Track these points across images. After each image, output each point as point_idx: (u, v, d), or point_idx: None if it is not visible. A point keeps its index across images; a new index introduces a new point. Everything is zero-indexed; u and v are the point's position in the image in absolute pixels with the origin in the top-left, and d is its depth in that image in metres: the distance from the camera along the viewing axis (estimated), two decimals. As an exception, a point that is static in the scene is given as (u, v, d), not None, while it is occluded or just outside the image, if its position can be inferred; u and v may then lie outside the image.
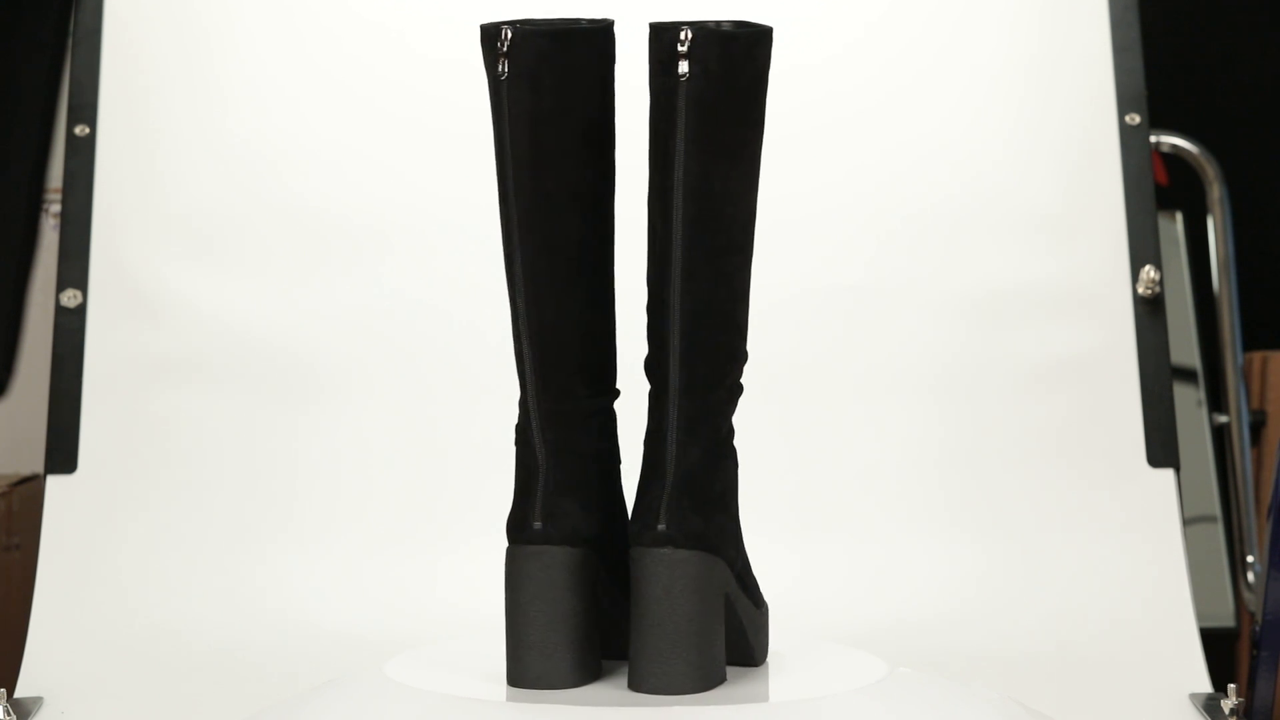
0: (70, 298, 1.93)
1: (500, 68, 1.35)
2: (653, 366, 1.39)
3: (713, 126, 1.36)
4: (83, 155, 1.97)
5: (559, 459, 1.39)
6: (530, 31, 1.34)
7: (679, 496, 1.37)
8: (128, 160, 1.98)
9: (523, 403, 1.40)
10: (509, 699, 1.36)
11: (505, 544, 1.39)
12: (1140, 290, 1.96)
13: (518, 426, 1.41)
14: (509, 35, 1.34)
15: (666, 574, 1.36)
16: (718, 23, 1.36)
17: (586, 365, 1.40)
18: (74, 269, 1.94)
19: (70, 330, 1.92)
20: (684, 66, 1.35)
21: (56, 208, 2.20)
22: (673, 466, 1.37)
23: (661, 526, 1.36)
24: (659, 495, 1.37)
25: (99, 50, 2.00)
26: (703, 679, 1.36)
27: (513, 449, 1.41)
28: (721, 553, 1.38)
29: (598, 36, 1.38)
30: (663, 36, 1.35)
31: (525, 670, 1.37)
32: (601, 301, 1.41)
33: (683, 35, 1.35)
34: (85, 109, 1.98)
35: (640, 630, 1.36)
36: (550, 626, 1.37)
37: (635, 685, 1.36)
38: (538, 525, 1.37)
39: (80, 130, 1.98)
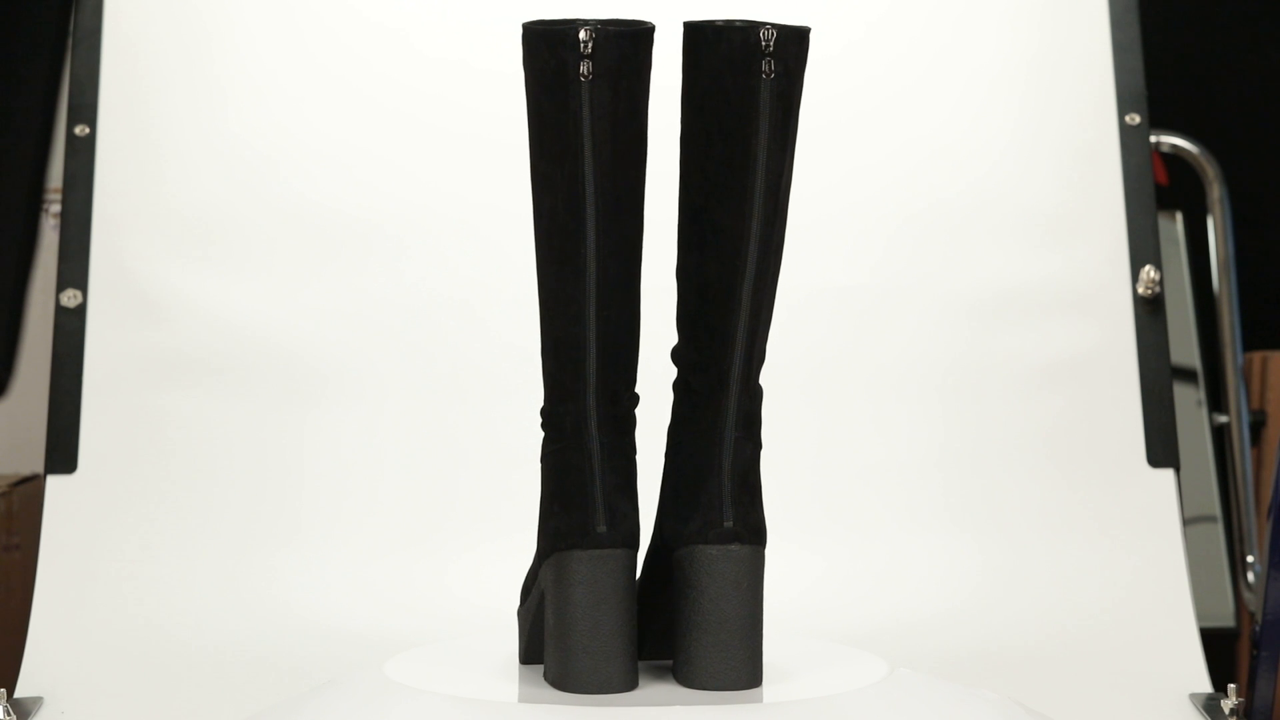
0: (70, 298, 1.93)
1: (583, 69, 1.34)
2: (701, 363, 1.39)
3: (789, 125, 1.37)
4: (83, 155, 1.97)
5: (612, 462, 1.38)
6: (612, 33, 1.34)
7: (738, 492, 1.38)
8: (128, 160, 1.98)
9: (574, 408, 1.38)
10: (511, 699, 1.35)
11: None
12: (1140, 290, 1.96)
13: (559, 430, 1.38)
14: (591, 36, 1.34)
15: (735, 570, 1.37)
16: (727, 21, 1.36)
17: (631, 366, 1.40)
18: (74, 269, 1.94)
19: (70, 330, 1.92)
20: (768, 66, 1.36)
21: (56, 208, 2.20)
22: (730, 462, 1.38)
23: (729, 523, 1.37)
24: (718, 492, 1.38)
25: (99, 50, 2.00)
26: (760, 673, 1.38)
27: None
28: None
29: (653, 39, 1.38)
30: (733, 37, 1.35)
31: (592, 676, 1.36)
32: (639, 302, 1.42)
33: (765, 35, 1.35)
34: (85, 109, 1.98)
35: (704, 627, 1.36)
36: (616, 631, 1.36)
37: (699, 683, 1.37)
38: (602, 530, 1.36)
39: (80, 130, 1.98)
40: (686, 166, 1.40)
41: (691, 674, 1.37)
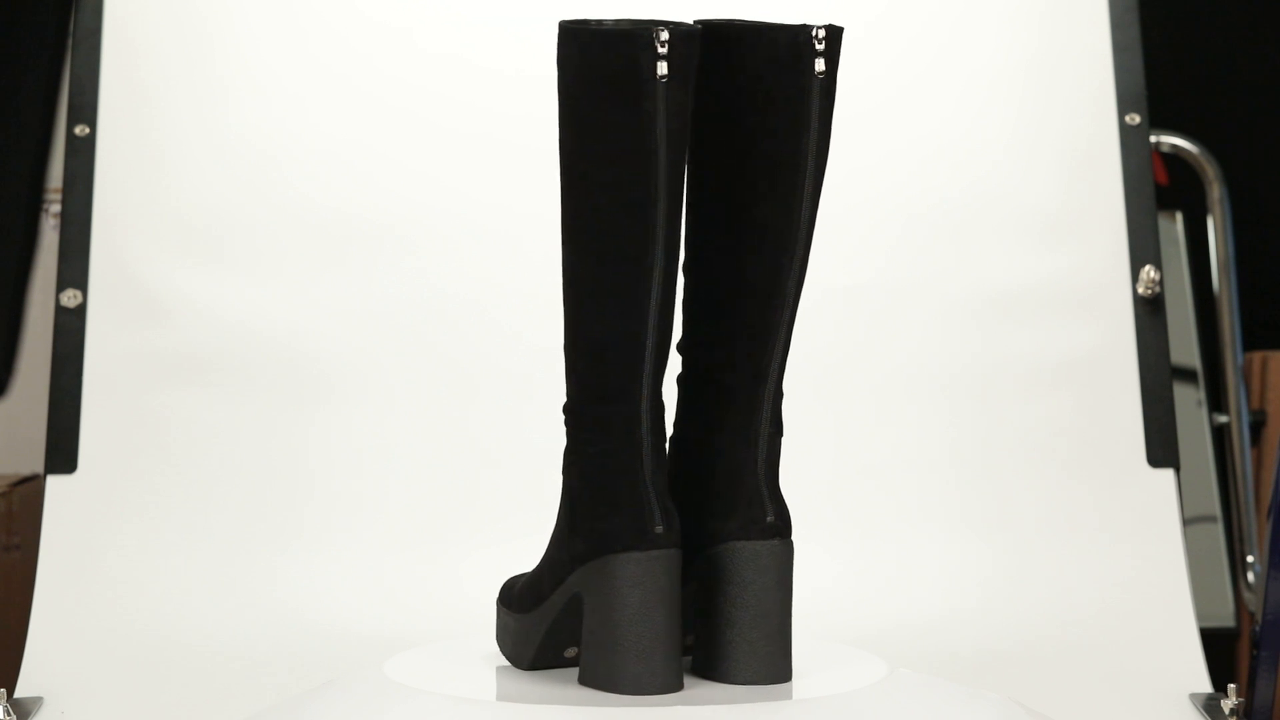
0: (70, 298, 1.93)
1: (660, 70, 1.33)
2: (734, 360, 1.40)
3: (830, 123, 1.39)
4: (83, 155, 1.97)
5: (658, 461, 1.38)
6: (685, 32, 1.34)
7: (772, 487, 1.39)
8: (128, 160, 1.98)
9: (626, 408, 1.37)
10: (512, 699, 1.35)
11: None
12: (1140, 290, 1.96)
13: (602, 430, 1.37)
14: (668, 36, 1.33)
15: (778, 565, 1.38)
16: (748, 21, 1.37)
17: (666, 365, 1.40)
18: (74, 269, 1.94)
19: (70, 330, 1.92)
20: (820, 64, 1.36)
21: (56, 208, 2.20)
22: (763, 457, 1.39)
23: (770, 519, 1.38)
24: (756, 488, 1.39)
25: (99, 50, 2.00)
26: (791, 666, 1.39)
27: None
28: None
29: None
30: (779, 36, 1.36)
31: (650, 678, 1.35)
32: None
33: (817, 33, 1.36)
34: (85, 109, 1.98)
35: (747, 623, 1.37)
36: (669, 632, 1.35)
37: (745, 678, 1.37)
38: (659, 530, 1.35)
39: (80, 130, 1.98)
40: (717, 166, 1.39)
41: (735, 669, 1.37)
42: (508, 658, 1.44)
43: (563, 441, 1.40)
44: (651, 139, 1.33)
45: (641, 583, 1.34)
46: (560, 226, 1.38)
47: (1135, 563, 1.87)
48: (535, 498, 1.88)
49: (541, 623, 1.41)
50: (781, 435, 1.41)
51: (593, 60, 1.34)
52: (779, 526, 1.39)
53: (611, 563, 1.35)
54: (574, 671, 1.40)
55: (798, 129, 1.37)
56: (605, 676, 1.35)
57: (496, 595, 1.47)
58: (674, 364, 1.40)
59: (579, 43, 1.34)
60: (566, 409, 1.39)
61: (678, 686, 1.36)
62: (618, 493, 1.36)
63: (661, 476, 1.36)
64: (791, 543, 1.39)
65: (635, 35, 1.32)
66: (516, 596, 1.44)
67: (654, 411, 1.37)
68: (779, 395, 1.41)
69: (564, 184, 1.37)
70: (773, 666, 1.38)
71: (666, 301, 1.36)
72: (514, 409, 1.93)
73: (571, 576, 1.38)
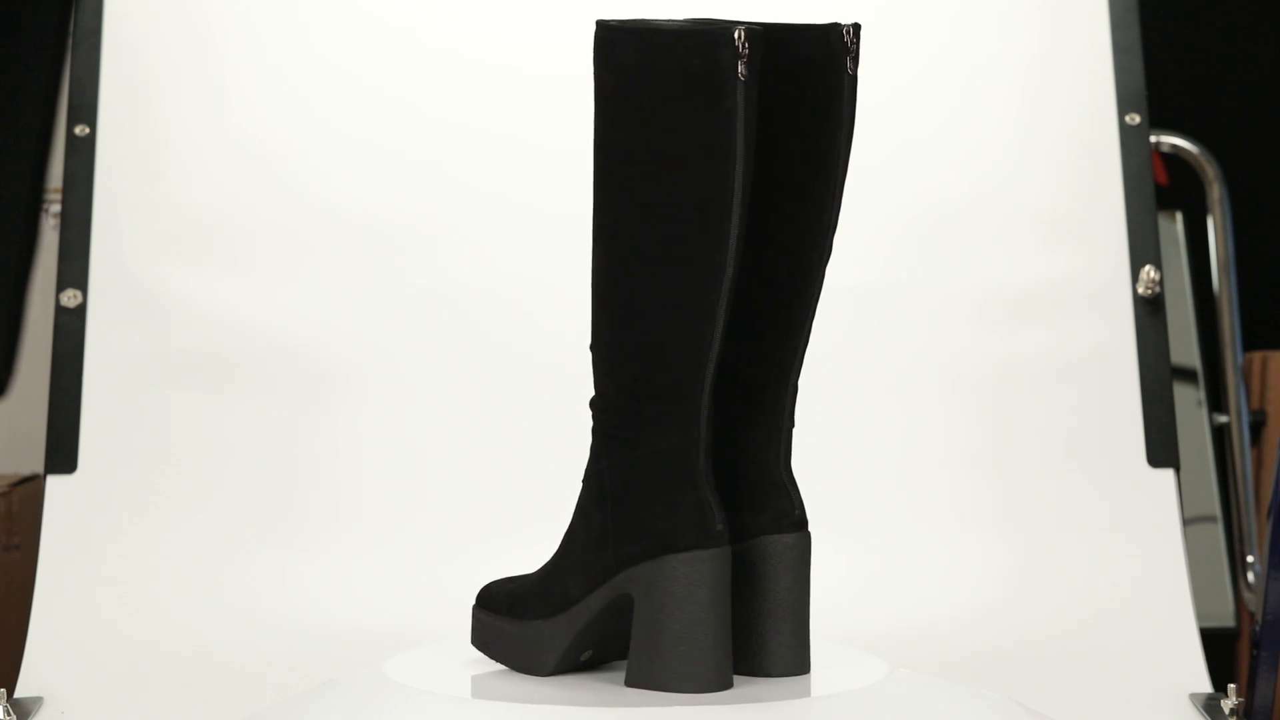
0: (70, 298, 1.93)
1: (740, 70, 1.33)
2: (757, 356, 1.40)
3: (855, 121, 1.40)
4: (83, 155, 1.97)
5: (709, 458, 1.38)
6: (757, 33, 1.34)
7: (792, 480, 1.41)
8: (128, 160, 1.98)
9: (686, 408, 1.36)
10: (512, 699, 1.35)
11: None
12: (1140, 290, 1.96)
13: (656, 430, 1.37)
14: (746, 36, 1.33)
15: (805, 557, 1.40)
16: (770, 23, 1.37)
17: None
18: (74, 269, 1.94)
19: (70, 330, 1.92)
20: (851, 64, 1.38)
21: (56, 208, 2.20)
22: (784, 450, 1.41)
23: (798, 511, 1.40)
24: (781, 482, 1.40)
25: (99, 50, 2.00)
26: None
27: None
28: None
29: None
30: (810, 35, 1.36)
31: (716, 674, 1.35)
32: None
33: (848, 33, 1.37)
34: (85, 109, 1.98)
35: (781, 615, 1.38)
36: (728, 629, 1.36)
37: (781, 670, 1.39)
38: (720, 528, 1.36)
39: (80, 130, 1.98)
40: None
41: (771, 662, 1.38)
42: (510, 665, 1.42)
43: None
44: (731, 139, 1.33)
45: (705, 581, 1.35)
46: (597, 226, 1.37)
47: (1135, 563, 1.87)
48: (536, 497, 1.88)
49: (571, 626, 1.39)
50: (793, 427, 1.43)
51: (666, 60, 1.33)
52: (803, 520, 1.41)
53: (674, 562, 1.35)
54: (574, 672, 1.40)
55: (831, 128, 1.38)
56: (664, 677, 1.35)
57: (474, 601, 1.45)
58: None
59: (646, 43, 1.33)
60: (603, 410, 1.38)
61: (730, 684, 1.36)
62: (676, 491, 1.36)
63: (711, 474, 1.37)
64: (810, 534, 1.41)
65: (718, 35, 1.32)
66: (524, 601, 1.42)
67: (708, 409, 1.37)
68: (796, 391, 1.42)
69: (614, 184, 1.36)
70: (802, 658, 1.40)
71: (729, 301, 1.37)
72: (494, 407, 1.93)
73: (617, 578, 1.37)
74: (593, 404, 1.40)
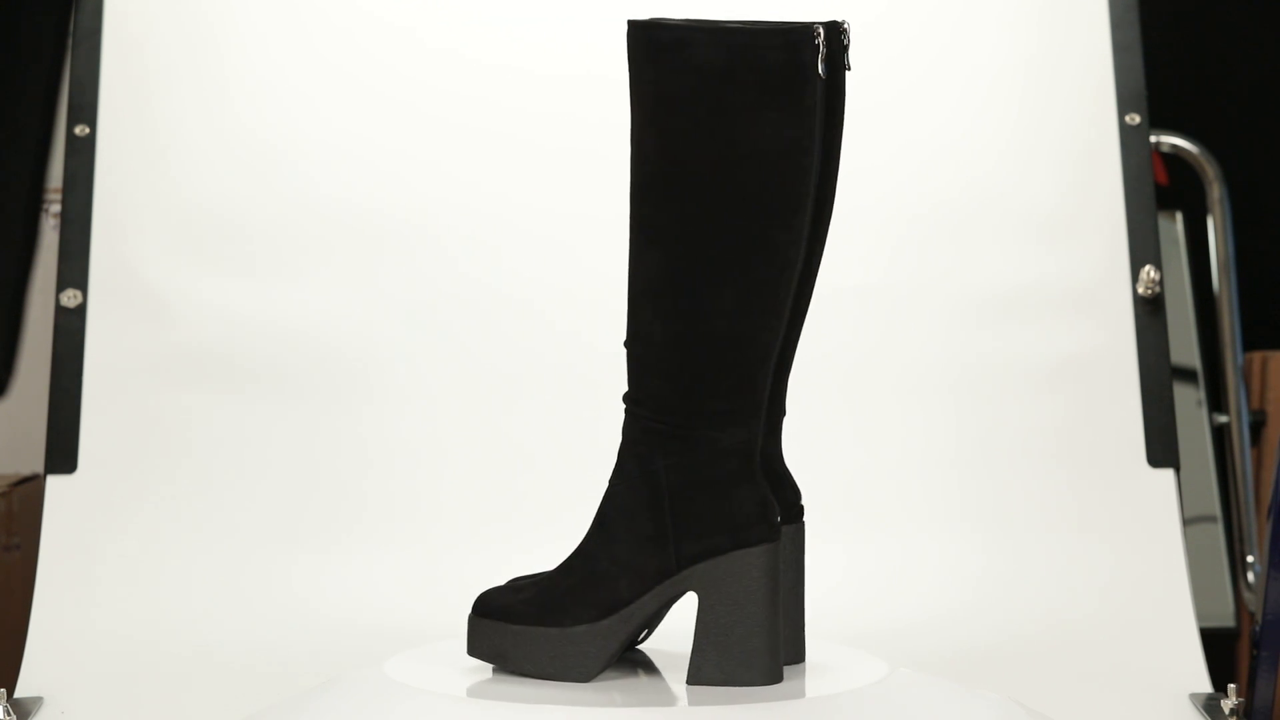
0: (70, 298, 1.93)
1: (821, 69, 1.34)
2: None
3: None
4: (83, 155, 1.97)
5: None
6: (829, 31, 1.35)
7: (788, 471, 1.44)
8: (128, 160, 1.98)
9: (751, 400, 1.37)
10: (512, 699, 1.35)
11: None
12: (1140, 290, 1.96)
13: (717, 427, 1.37)
14: (825, 34, 1.34)
15: (802, 547, 1.43)
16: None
17: None
18: (74, 269, 1.94)
19: (70, 330, 1.92)
20: (847, 60, 1.39)
21: (56, 208, 2.20)
22: (779, 441, 1.43)
23: (801, 502, 1.43)
24: (784, 473, 1.42)
25: (99, 50, 2.00)
26: None
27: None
28: None
29: None
30: (814, 33, 1.36)
31: (777, 668, 1.38)
32: None
33: (845, 33, 1.37)
34: (85, 109, 1.98)
35: (791, 604, 1.41)
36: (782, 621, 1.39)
37: (792, 658, 1.42)
38: (779, 520, 1.38)
39: (80, 130, 1.98)
40: None
41: (789, 650, 1.41)
42: (537, 674, 1.39)
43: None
44: (811, 136, 1.34)
45: (772, 573, 1.36)
46: (654, 226, 1.36)
47: (1135, 562, 1.87)
48: (541, 499, 1.89)
49: (624, 628, 1.38)
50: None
51: (748, 58, 1.33)
52: (802, 509, 1.43)
53: (747, 557, 1.36)
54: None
55: (835, 124, 1.39)
56: (740, 672, 1.36)
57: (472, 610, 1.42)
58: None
59: (723, 42, 1.33)
60: (655, 409, 1.38)
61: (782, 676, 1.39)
62: (741, 486, 1.37)
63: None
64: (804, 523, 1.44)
65: (801, 32, 1.33)
66: (559, 608, 1.39)
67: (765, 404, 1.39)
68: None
69: (678, 184, 1.35)
70: (799, 647, 1.43)
71: (802, 301, 1.39)
72: (500, 408, 1.93)
73: (679, 576, 1.37)
74: (634, 404, 1.39)
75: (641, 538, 1.37)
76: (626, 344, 1.39)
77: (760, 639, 1.36)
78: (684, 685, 1.37)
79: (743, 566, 1.36)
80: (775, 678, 1.37)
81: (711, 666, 1.36)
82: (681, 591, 1.37)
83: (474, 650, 1.41)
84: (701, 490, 1.37)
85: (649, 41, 1.34)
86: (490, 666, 1.41)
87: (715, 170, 1.34)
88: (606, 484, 1.40)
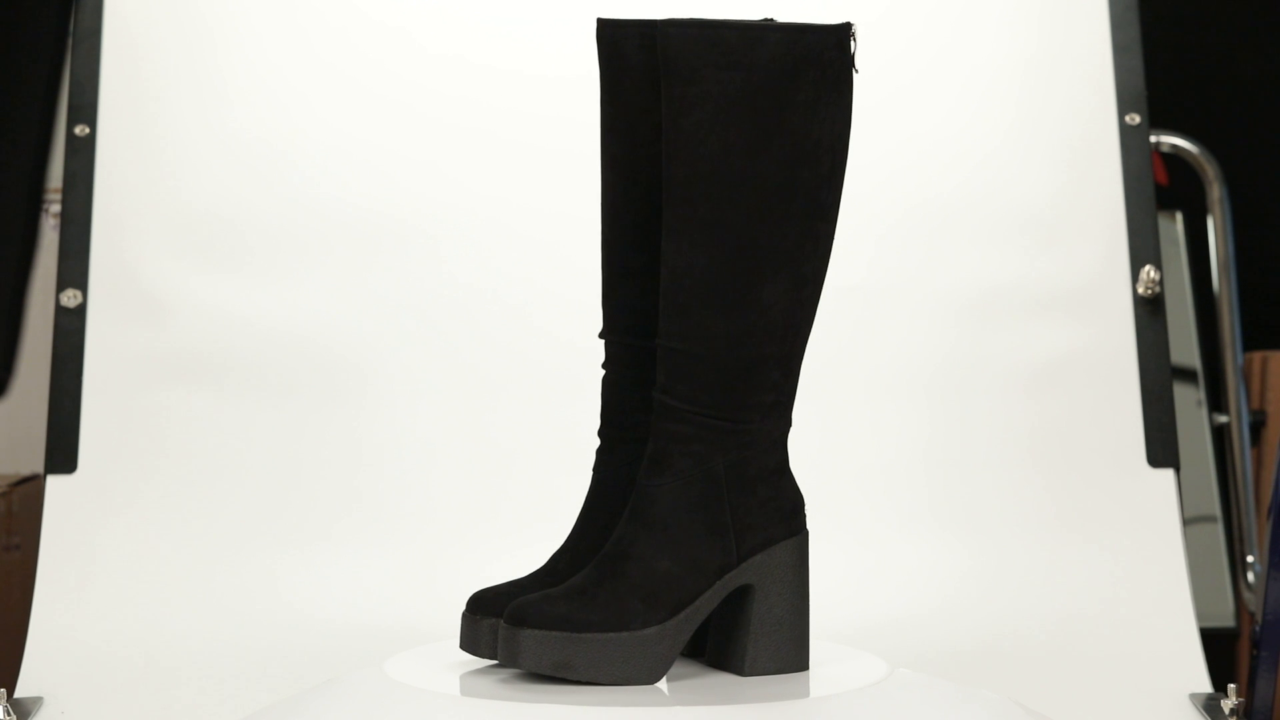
0: (70, 298, 1.93)
1: (855, 66, 1.36)
2: None
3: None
4: (83, 155, 1.97)
5: None
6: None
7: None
8: (128, 160, 1.98)
9: (786, 397, 1.39)
10: (512, 698, 1.35)
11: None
12: (1140, 290, 1.96)
13: (751, 426, 1.38)
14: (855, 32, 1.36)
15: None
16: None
17: None
18: (74, 269, 1.94)
19: (70, 330, 1.92)
20: (855, 63, 1.39)
21: (56, 208, 2.20)
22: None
23: (805, 507, 1.44)
24: (793, 480, 1.43)
25: (99, 50, 2.00)
26: None
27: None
28: None
29: None
30: (853, 32, 1.37)
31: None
32: None
33: (854, 37, 1.38)
34: (85, 109, 1.98)
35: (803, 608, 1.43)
36: None
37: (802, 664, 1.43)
38: (806, 513, 1.42)
39: (80, 130, 1.98)
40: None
41: (802, 657, 1.41)
42: (605, 680, 1.35)
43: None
44: (850, 129, 1.37)
45: (807, 559, 1.41)
46: (694, 227, 1.34)
47: (1135, 563, 1.87)
48: (536, 499, 1.88)
49: (691, 625, 1.37)
50: None
51: (798, 54, 1.34)
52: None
53: (797, 545, 1.39)
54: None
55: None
56: (795, 657, 1.40)
57: (506, 620, 1.36)
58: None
59: (768, 40, 1.33)
60: (703, 406, 1.37)
61: None
62: (781, 476, 1.40)
63: None
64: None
65: (845, 29, 1.36)
66: (625, 612, 1.35)
67: None
68: None
69: (721, 183, 1.34)
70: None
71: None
72: (493, 409, 1.93)
73: (741, 568, 1.38)
74: (675, 401, 1.37)
75: (700, 534, 1.37)
76: (659, 342, 1.38)
77: (807, 624, 1.40)
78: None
79: (799, 555, 1.39)
80: (806, 664, 1.41)
81: (784, 655, 1.39)
82: (737, 584, 1.38)
83: (530, 664, 1.35)
84: (758, 482, 1.38)
85: (712, 42, 1.33)
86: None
87: (780, 166, 1.35)
88: (636, 483, 1.39)
